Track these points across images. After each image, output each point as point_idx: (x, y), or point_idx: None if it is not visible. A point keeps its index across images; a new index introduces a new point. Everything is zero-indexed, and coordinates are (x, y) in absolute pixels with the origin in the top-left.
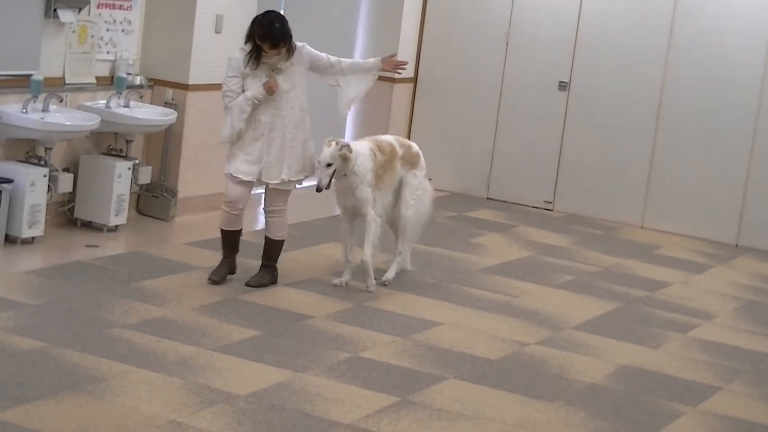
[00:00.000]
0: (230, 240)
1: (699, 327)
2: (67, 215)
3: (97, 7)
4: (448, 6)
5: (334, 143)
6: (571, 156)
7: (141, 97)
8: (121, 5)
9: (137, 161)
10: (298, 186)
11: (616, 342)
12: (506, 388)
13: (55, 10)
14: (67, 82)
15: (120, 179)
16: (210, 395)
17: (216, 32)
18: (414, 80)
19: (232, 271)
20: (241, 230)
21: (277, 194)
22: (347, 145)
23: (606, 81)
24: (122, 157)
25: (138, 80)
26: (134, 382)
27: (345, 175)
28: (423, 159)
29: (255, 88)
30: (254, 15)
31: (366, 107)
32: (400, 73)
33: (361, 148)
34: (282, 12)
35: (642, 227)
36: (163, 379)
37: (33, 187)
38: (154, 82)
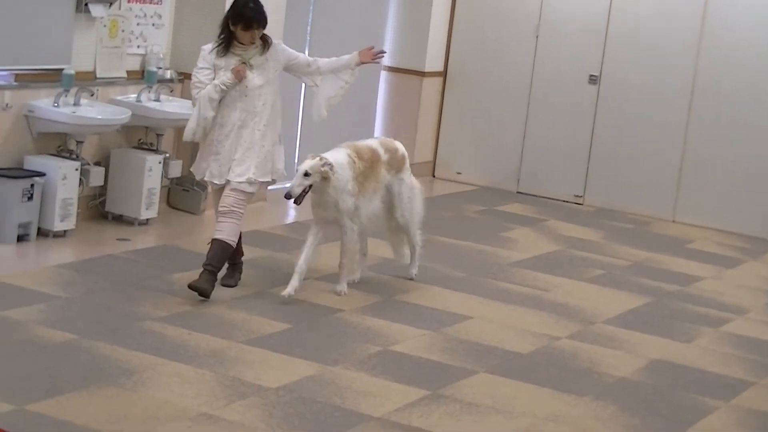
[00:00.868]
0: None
1: (731, 322)
2: (98, 209)
3: (128, 2)
4: None
5: (318, 158)
6: (602, 150)
7: (171, 91)
8: (151, 0)
9: (168, 155)
10: (255, 191)
11: (648, 336)
12: (537, 382)
13: (86, 4)
14: (98, 76)
15: (151, 173)
16: (241, 388)
17: None
18: (443, 74)
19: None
20: (240, 235)
21: (239, 195)
22: (330, 165)
23: (637, 73)
24: (153, 150)
25: (168, 74)
26: (165, 375)
27: (327, 192)
28: (408, 160)
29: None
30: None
31: (395, 101)
32: (378, 62)
33: (339, 158)
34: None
35: (673, 221)
36: (194, 371)
37: (65, 180)
38: (185, 76)
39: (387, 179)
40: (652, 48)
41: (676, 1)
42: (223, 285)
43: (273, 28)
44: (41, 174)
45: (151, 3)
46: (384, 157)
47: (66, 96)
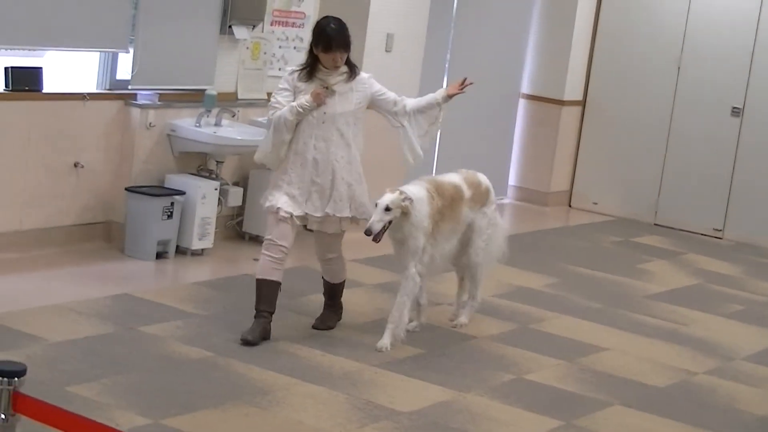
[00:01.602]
0: (266, 293)
1: None
2: (235, 229)
3: (271, 24)
4: (619, 29)
5: (397, 192)
6: (743, 183)
7: None
8: (293, 23)
9: None
10: (338, 230)
11: None
12: (674, 417)
13: (230, 26)
14: (239, 97)
15: None
16: (374, 411)
17: (386, 51)
18: (582, 103)
19: (266, 334)
20: (280, 284)
21: (326, 240)
22: (410, 199)
23: None
24: None
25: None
26: (299, 395)
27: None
28: (492, 193)
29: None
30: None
31: (533, 129)
32: (464, 91)
33: (418, 193)
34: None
35: None
36: (327, 393)
37: (204, 199)
38: None
39: (469, 217)
40: None
41: None
42: (243, 342)
43: (413, 56)
44: (181, 193)
45: (293, 26)
46: (467, 194)
47: (208, 116)
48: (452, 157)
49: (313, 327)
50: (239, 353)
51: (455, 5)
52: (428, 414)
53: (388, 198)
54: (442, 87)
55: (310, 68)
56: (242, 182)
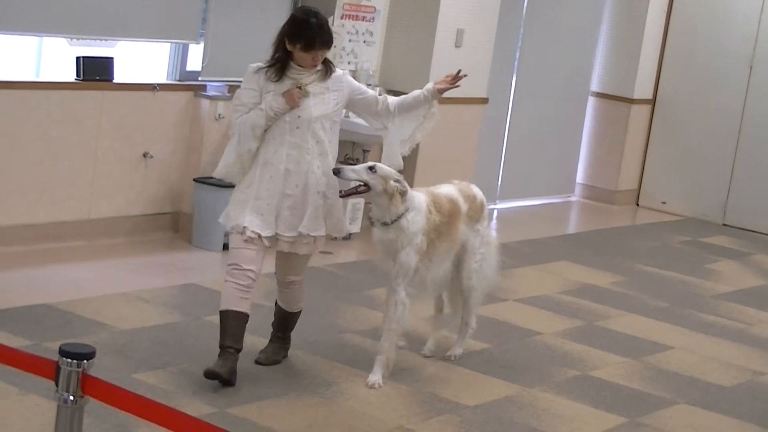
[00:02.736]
0: (233, 326)
1: None
2: None
3: (341, 18)
4: (690, 27)
5: (400, 176)
6: None
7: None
8: (364, 17)
9: None
10: (311, 251)
11: None
12: (740, 417)
13: None
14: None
15: None
16: (438, 404)
17: (456, 46)
18: (652, 102)
19: (232, 373)
20: (248, 316)
21: (292, 261)
22: (404, 189)
23: None
24: None
25: (377, 91)
26: (364, 387)
27: (387, 223)
28: (486, 208)
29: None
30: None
31: (602, 127)
32: (459, 85)
33: (420, 203)
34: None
35: None
36: (391, 385)
37: None
38: (393, 94)
39: (465, 234)
40: None
41: None
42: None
43: (483, 53)
44: None
45: (363, 20)
46: (464, 208)
47: None
48: (520, 155)
49: (256, 362)
50: (304, 345)
51: (526, 1)
52: (492, 408)
53: (380, 164)
54: (510, 84)
55: (281, 65)
56: None
